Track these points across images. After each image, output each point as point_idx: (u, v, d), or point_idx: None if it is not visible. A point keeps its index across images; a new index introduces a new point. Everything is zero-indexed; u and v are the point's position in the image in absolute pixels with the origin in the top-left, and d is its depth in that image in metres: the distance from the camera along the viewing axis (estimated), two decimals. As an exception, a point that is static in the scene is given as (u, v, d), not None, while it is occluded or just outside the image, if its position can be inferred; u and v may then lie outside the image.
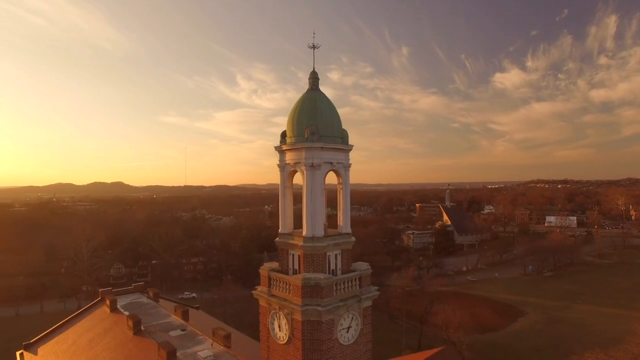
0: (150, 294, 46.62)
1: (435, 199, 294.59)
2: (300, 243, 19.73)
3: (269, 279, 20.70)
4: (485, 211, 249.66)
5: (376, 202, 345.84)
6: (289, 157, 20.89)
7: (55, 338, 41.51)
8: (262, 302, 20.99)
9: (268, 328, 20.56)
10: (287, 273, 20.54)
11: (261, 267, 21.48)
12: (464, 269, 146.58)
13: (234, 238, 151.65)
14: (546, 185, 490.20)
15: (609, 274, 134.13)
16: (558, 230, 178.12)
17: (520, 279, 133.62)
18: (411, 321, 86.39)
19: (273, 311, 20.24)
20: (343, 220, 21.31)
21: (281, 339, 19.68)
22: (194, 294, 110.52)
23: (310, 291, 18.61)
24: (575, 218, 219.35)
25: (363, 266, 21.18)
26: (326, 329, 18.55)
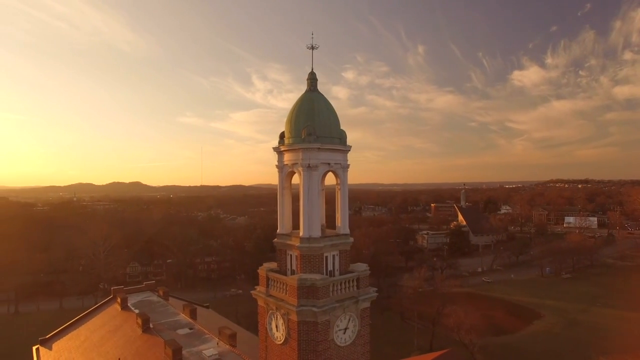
0: (160, 292, 47.40)
1: (451, 199, 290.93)
2: (297, 244, 19.78)
3: (267, 279, 20.83)
4: (502, 211, 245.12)
5: (391, 202, 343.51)
6: (287, 158, 20.98)
7: (69, 334, 42.59)
8: (260, 302, 21.14)
9: (266, 328, 20.69)
10: (285, 273, 20.62)
11: (260, 267, 21.62)
12: (479, 270, 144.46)
13: (248, 238, 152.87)
14: (566, 185, 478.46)
15: (630, 277, 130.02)
16: (577, 231, 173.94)
17: (537, 281, 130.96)
18: (423, 322, 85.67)
19: (271, 311, 20.36)
20: (341, 221, 21.29)
21: (278, 339, 19.78)
22: (240, 290, 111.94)
23: (306, 292, 18.65)
24: (595, 219, 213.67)
25: (361, 267, 21.10)
26: (322, 330, 18.55)
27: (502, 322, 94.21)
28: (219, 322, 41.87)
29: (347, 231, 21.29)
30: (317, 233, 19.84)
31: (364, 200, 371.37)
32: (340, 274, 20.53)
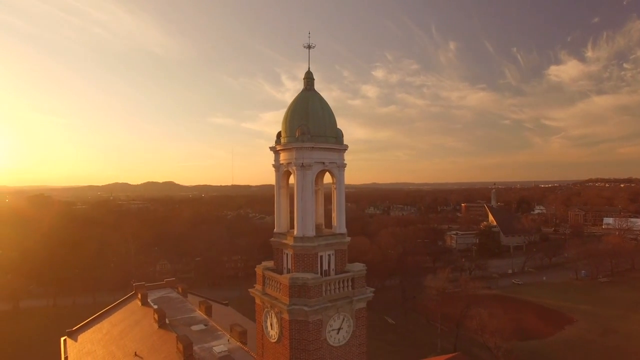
0: (180, 289, 48.73)
1: (482, 199, 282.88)
2: (292, 243, 19.86)
3: (263, 277, 21.02)
4: (536, 211, 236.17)
5: (420, 201, 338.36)
6: (283, 157, 21.08)
7: (93, 327, 44.55)
8: (257, 300, 21.35)
9: (262, 326, 20.89)
10: (281, 272, 20.72)
11: (257, 266, 21.84)
12: (509, 271, 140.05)
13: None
14: (606, 185, 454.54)
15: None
16: (617, 232, 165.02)
17: (571, 284, 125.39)
18: (448, 324, 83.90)
19: (266, 309, 20.53)
20: (337, 220, 21.16)
21: (273, 337, 19.93)
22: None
23: (298, 291, 18.69)
24: (638, 220, 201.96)
25: (357, 267, 20.91)
26: (313, 330, 18.53)
27: (531, 326, 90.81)
28: (235, 320, 42.58)
29: (344, 231, 21.14)
30: (311, 232, 19.83)
31: (394, 199, 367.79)
32: (337, 273, 20.43)
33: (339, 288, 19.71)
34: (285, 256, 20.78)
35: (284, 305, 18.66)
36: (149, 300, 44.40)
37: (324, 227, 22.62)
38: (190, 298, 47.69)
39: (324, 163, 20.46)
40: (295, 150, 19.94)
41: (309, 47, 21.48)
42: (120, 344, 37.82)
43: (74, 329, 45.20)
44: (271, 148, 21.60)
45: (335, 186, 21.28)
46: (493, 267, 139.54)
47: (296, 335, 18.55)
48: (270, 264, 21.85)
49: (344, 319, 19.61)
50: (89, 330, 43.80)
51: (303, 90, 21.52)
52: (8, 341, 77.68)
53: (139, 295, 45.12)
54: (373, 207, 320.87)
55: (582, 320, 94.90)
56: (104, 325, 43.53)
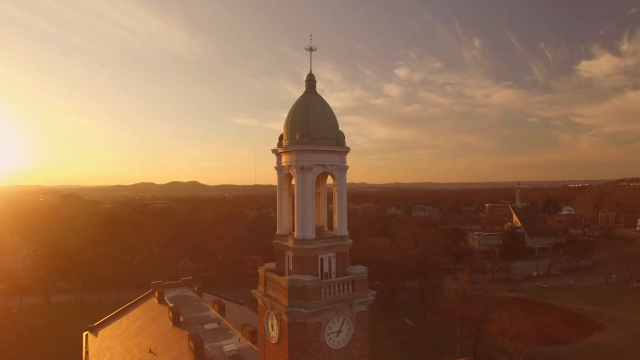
0: (195, 288, 49.69)
1: (507, 199, 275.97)
2: (292, 245, 19.98)
3: (265, 279, 21.22)
4: (563, 212, 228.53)
5: (443, 201, 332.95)
6: (284, 160, 21.22)
7: (113, 323, 46.03)
8: (259, 302, 21.57)
9: (264, 327, 21.10)
10: (283, 274, 20.88)
11: (260, 267, 22.07)
12: (534, 274, 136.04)
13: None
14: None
15: None
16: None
17: (600, 289, 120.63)
18: (468, 327, 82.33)
19: (267, 311, 20.73)
20: (338, 222, 21.14)
21: (273, 338, 20.10)
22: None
23: (297, 293, 18.78)
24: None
25: (358, 270, 20.82)
26: (312, 332, 18.59)
27: (556, 331, 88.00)
28: (248, 319, 43.10)
29: (345, 233, 21.10)
30: (310, 235, 19.89)
31: (416, 199, 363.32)
32: (337, 276, 20.43)
33: (338, 291, 19.69)
34: (286, 258, 20.93)
35: (283, 307, 18.81)
36: (165, 299, 45.48)
37: (327, 229, 22.64)
38: (206, 297, 48.56)
39: (324, 165, 20.49)
40: (296, 153, 20.05)
41: (310, 49, 21.52)
42: (136, 340, 38.94)
43: (95, 324, 46.84)
44: (273, 150, 21.79)
45: (336, 188, 21.28)
46: (517, 269, 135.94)
47: (295, 337, 18.66)
48: (272, 265, 22.04)
49: (343, 322, 19.58)
50: (108, 327, 45.28)
51: (305, 93, 21.61)
52: (38, 333, 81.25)
53: (156, 294, 46.30)
54: (395, 207, 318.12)
55: (613, 327, 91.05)
56: (123, 322, 44.90)
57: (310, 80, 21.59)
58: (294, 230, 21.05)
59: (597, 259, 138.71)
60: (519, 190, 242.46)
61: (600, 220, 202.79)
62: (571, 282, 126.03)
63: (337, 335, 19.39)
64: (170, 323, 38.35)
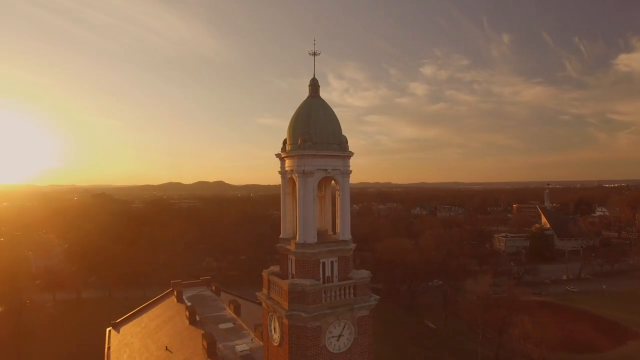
0: (213, 287, 50.69)
1: (536, 200, 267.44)
2: (293, 249, 20.15)
3: (269, 282, 21.48)
4: (597, 213, 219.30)
5: (469, 202, 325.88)
6: (287, 164, 21.42)
7: (134, 320, 47.57)
8: (263, 304, 21.86)
9: (267, 329, 21.36)
10: (286, 277, 21.08)
11: (264, 270, 22.35)
12: (564, 277, 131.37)
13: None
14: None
15: None
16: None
17: (636, 294, 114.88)
18: (492, 331, 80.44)
19: (270, 313, 20.99)
20: (341, 227, 21.17)
21: (275, 340, 20.34)
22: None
23: (297, 297, 18.94)
24: None
25: (361, 275, 20.79)
26: (312, 336, 18.70)
27: (586, 339, 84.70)
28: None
29: (348, 237, 21.10)
30: (312, 239, 20.00)
31: (441, 199, 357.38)
32: (340, 280, 20.46)
33: (339, 295, 19.72)
34: (289, 262, 21.12)
35: (284, 311, 19.01)
36: (183, 297, 46.62)
37: (331, 233, 22.67)
38: (223, 296, 49.44)
39: (326, 170, 20.56)
40: (298, 157, 20.21)
41: (314, 54, 21.62)
42: (154, 337, 40.13)
43: (117, 321, 48.53)
44: (277, 155, 22.01)
45: (339, 192, 21.31)
46: (545, 272, 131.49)
47: (295, 340, 18.83)
48: (277, 268, 22.28)
49: (344, 326, 19.60)
50: (129, 323, 46.83)
51: (308, 98, 21.73)
52: (69, 327, 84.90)
53: (175, 293, 47.54)
54: (419, 207, 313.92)
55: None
56: (143, 319, 46.33)
57: (314, 85, 21.71)
58: (297, 234, 21.21)
59: (633, 263, 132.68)
60: (547, 190, 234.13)
61: (637, 223, 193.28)
62: (604, 286, 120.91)
63: (338, 340, 19.43)
64: (187, 322, 39.30)
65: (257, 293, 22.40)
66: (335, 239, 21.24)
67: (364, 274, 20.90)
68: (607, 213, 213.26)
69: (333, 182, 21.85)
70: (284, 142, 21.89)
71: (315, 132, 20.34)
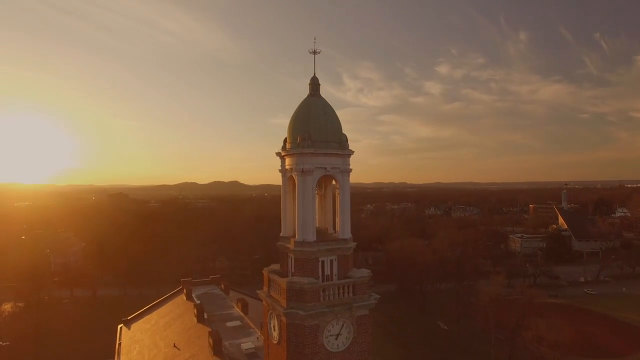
0: (222, 286, 51.11)
1: (553, 200, 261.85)
2: (292, 247, 20.16)
3: (269, 280, 21.54)
4: (617, 214, 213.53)
5: (485, 202, 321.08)
6: (287, 162, 21.45)
7: (145, 317, 48.30)
8: (264, 302, 21.93)
9: (268, 327, 21.43)
10: (286, 276, 21.12)
11: (265, 268, 22.42)
12: (582, 279, 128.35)
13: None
14: None
15: None
16: None
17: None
18: (504, 333, 79.13)
19: (270, 311, 21.05)
20: (340, 225, 21.09)
21: (275, 338, 20.40)
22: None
23: (295, 295, 18.95)
24: None
25: (360, 273, 20.67)
26: (309, 334, 18.68)
27: (603, 343, 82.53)
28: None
29: (347, 236, 21.01)
30: (311, 237, 19.98)
31: (456, 199, 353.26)
32: (339, 279, 20.39)
33: (338, 294, 19.65)
34: (289, 260, 21.14)
35: (282, 309, 19.03)
36: (193, 296, 47.12)
37: (332, 231, 22.59)
38: (232, 295, 49.81)
39: (325, 168, 20.52)
40: (297, 156, 20.23)
41: (314, 52, 21.61)
42: (163, 334, 40.68)
43: (128, 318, 49.34)
44: (277, 154, 22.05)
45: (338, 191, 21.25)
46: (562, 274, 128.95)
47: (293, 338, 18.85)
48: (277, 266, 22.33)
49: (343, 325, 19.52)
50: (140, 320, 47.57)
51: (308, 96, 21.72)
52: (84, 323, 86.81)
53: (185, 291, 48.10)
54: (434, 207, 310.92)
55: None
56: (153, 316, 47.02)
57: (314, 84, 21.70)
58: (296, 232, 21.23)
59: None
60: (565, 191, 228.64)
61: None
62: (624, 289, 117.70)
63: (337, 339, 19.37)
64: (195, 319, 39.72)
65: (257, 291, 22.51)
66: (335, 237, 21.17)
67: (363, 273, 20.79)
68: (628, 214, 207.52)
69: (334, 181, 21.78)
70: (285, 141, 21.93)
71: (314, 130, 20.32)
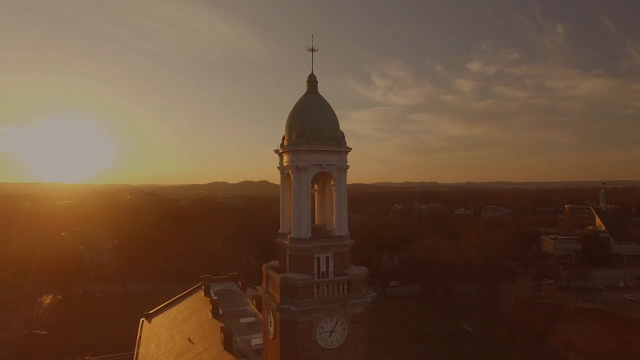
0: (240, 283, 51.99)
1: (591, 200, 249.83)
2: (288, 243, 20.28)
3: (267, 276, 21.76)
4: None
5: (517, 202, 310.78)
6: (285, 160, 21.58)
7: (165, 312, 49.87)
8: (262, 298, 22.18)
9: (266, 322, 21.66)
10: (283, 272, 21.26)
11: (264, 264, 22.66)
12: (620, 284, 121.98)
13: (353, 235, 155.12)
14: None
15: None
16: None
17: None
18: (533, 337, 76.36)
19: (267, 307, 21.26)
20: (336, 222, 21.02)
21: (271, 333, 20.60)
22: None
23: (289, 291, 19.06)
24: None
25: (356, 271, 20.55)
26: (302, 330, 18.74)
27: (642, 350, 78.03)
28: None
29: (344, 233, 20.93)
30: (306, 234, 20.03)
31: (487, 199, 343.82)
32: (335, 276, 20.35)
33: (333, 291, 19.60)
34: (287, 256, 21.27)
35: (276, 304, 19.20)
36: (210, 292, 48.21)
37: (332, 228, 22.53)
38: (249, 291, 50.55)
39: (321, 165, 20.52)
40: (292, 153, 20.34)
41: (312, 50, 21.64)
42: (180, 329, 41.87)
43: (150, 312, 51.08)
44: (275, 151, 22.23)
45: (334, 188, 21.18)
46: (599, 277, 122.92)
47: (287, 334, 18.97)
48: (276, 263, 22.52)
49: (337, 322, 19.46)
50: (160, 315, 49.17)
51: (305, 94, 21.78)
52: (115, 316, 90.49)
53: (203, 287, 49.28)
54: (464, 207, 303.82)
55: None
56: (172, 311, 48.46)
57: (311, 81, 21.73)
58: (292, 229, 21.35)
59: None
60: (603, 190, 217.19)
61: None
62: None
63: (330, 335, 19.33)
64: (210, 315, 40.63)
65: (257, 287, 22.77)
66: (331, 234, 21.14)
67: (360, 270, 20.66)
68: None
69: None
70: (283, 138, 22.08)
71: (310, 127, 20.37)
